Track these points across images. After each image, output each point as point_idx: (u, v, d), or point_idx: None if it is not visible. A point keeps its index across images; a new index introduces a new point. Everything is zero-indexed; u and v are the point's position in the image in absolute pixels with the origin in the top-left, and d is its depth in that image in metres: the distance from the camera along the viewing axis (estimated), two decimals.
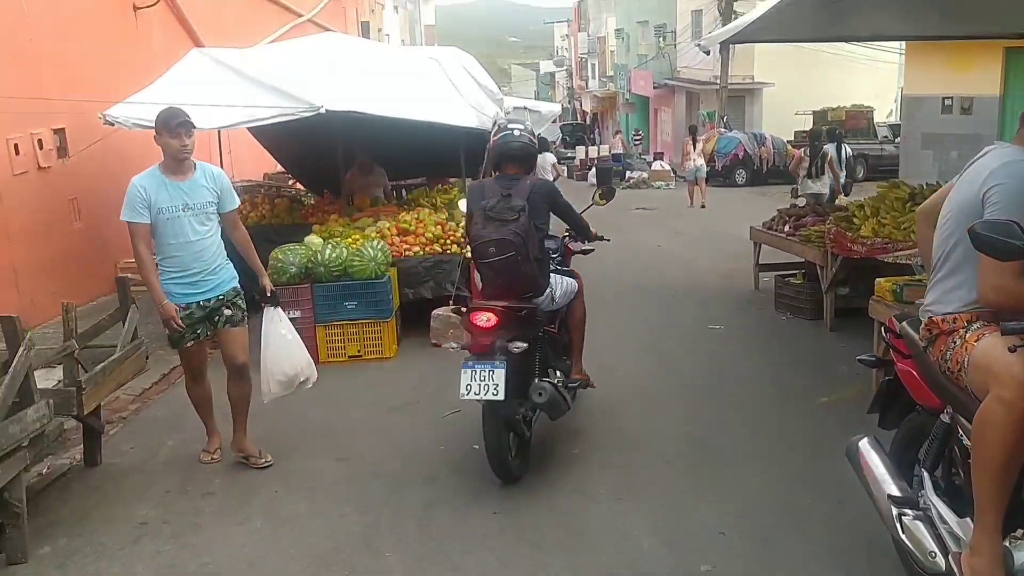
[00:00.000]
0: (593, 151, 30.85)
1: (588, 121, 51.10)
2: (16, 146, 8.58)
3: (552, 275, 4.98)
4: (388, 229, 8.23)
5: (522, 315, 4.63)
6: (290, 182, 13.62)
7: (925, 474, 3.18)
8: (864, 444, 3.40)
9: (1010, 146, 2.94)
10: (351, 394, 6.41)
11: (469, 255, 7.82)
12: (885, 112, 30.86)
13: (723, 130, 26.48)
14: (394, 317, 7.47)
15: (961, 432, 2.93)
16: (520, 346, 4.52)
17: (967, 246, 2.68)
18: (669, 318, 8.45)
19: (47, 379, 4.59)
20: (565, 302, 5.21)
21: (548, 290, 4.86)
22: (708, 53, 25.02)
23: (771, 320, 8.18)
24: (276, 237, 9.29)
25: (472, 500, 4.48)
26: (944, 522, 2.96)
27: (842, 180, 12.13)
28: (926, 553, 2.96)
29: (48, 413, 3.91)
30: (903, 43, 29.24)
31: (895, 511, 3.10)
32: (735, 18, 26.31)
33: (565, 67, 66.36)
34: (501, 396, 4.34)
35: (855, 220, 6.93)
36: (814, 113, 28.41)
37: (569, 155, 31.91)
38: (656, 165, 27.44)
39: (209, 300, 4.86)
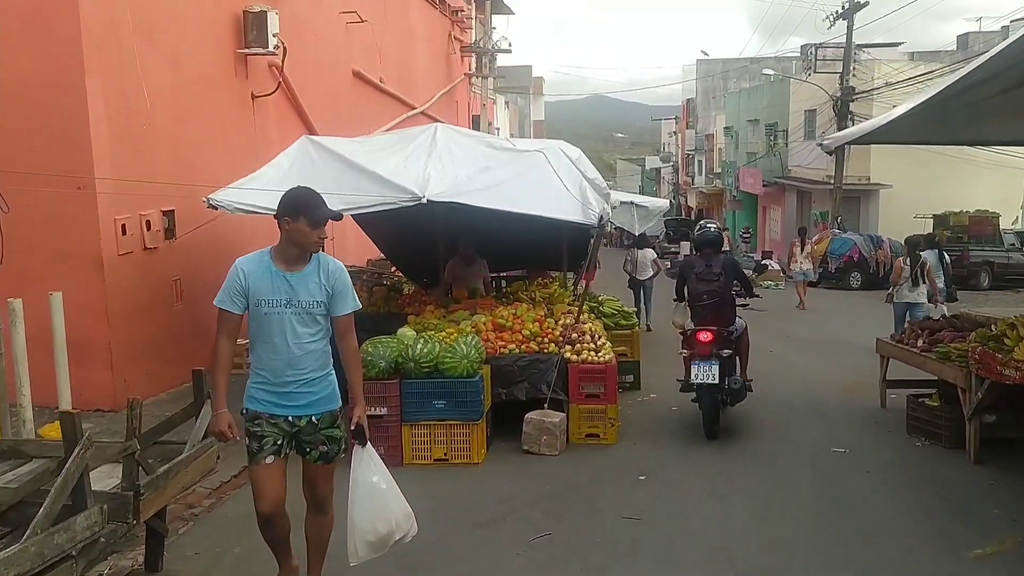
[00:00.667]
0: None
1: (693, 217, 50.53)
2: (124, 226, 8.71)
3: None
4: (484, 324, 7.85)
5: (724, 336, 7.66)
6: (392, 269, 13.55)
7: None
8: None
9: None
10: (434, 504, 5.90)
11: (567, 355, 7.43)
12: (1011, 218, 29.15)
13: (837, 231, 25.48)
14: (484, 419, 7.00)
15: None
16: (726, 353, 7.57)
17: None
18: (786, 436, 7.67)
19: (112, 475, 4.27)
20: (739, 333, 8.13)
21: (737, 322, 8.00)
22: (831, 154, 24.31)
23: (903, 445, 7.30)
24: (371, 326, 9.05)
25: None
26: None
27: (941, 287, 11.76)
28: None
29: (100, 520, 3.57)
30: None
31: None
32: (851, 118, 25.68)
33: (671, 163, 66.35)
34: (716, 380, 7.34)
35: (1007, 340, 6.12)
36: (935, 217, 27.10)
37: (673, 250, 31.36)
38: (764, 263, 26.52)
39: (299, 418, 4.07)
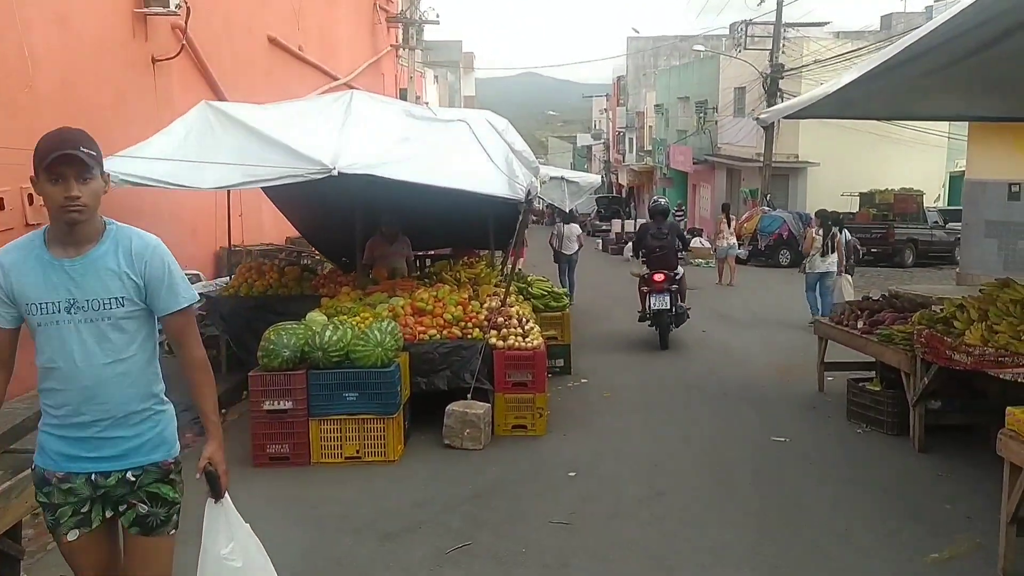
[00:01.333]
0: (629, 224, 29.97)
1: (624, 195, 50.47)
2: (1, 200, 7.78)
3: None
4: (402, 307, 7.22)
5: (671, 277, 10.56)
6: (312, 248, 12.77)
7: None
8: None
9: None
10: (341, 510, 5.29)
11: (492, 341, 6.87)
12: (933, 196, 29.68)
13: (766, 209, 25.49)
14: (401, 412, 6.39)
15: None
16: (674, 288, 10.52)
17: None
18: (724, 425, 7.26)
19: None
20: (681, 276, 10.96)
21: (679, 268, 10.91)
22: (766, 128, 24.27)
23: (845, 433, 6.95)
24: (282, 309, 8.38)
25: None
26: None
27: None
28: None
29: None
30: (950, 124, 28.65)
31: None
32: (780, 95, 25.64)
33: (602, 140, 66.26)
34: (667, 307, 10.41)
35: (956, 323, 5.77)
36: (861, 195, 27.39)
37: (604, 228, 31.03)
38: (695, 242, 26.42)
39: (106, 475, 2.79)
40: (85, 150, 2.66)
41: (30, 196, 8.16)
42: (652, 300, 10.46)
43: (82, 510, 2.81)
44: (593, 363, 9.76)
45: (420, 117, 8.48)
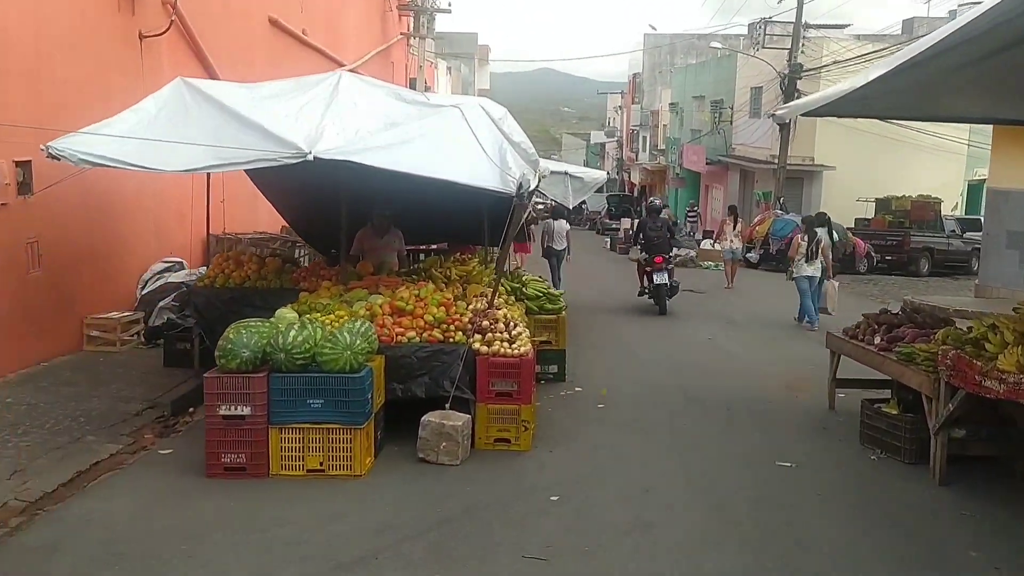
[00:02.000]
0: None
1: (636, 193, 49.81)
2: None
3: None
4: (381, 306, 6.67)
5: (666, 258, 13.61)
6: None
7: None
8: None
9: None
10: (295, 533, 4.75)
11: (475, 346, 6.34)
12: (950, 204, 28.96)
13: (779, 212, 24.83)
14: (372, 422, 5.84)
15: None
16: (669, 267, 13.71)
17: None
18: (725, 445, 6.68)
19: None
20: (672, 260, 14.13)
21: (673, 251, 14.34)
22: (782, 125, 23.63)
23: (857, 459, 6.37)
24: (260, 303, 7.88)
25: None
26: None
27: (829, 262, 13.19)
28: None
29: None
30: (971, 132, 27.92)
31: None
32: (798, 95, 24.93)
33: (616, 138, 65.55)
34: (666, 282, 13.53)
35: (988, 346, 5.18)
36: (877, 201, 26.70)
37: (613, 226, 30.37)
38: (705, 244, 25.78)
39: None
40: None
41: None
42: (654, 277, 13.72)
43: None
44: (589, 369, 9.20)
45: (411, 102, 7.92)
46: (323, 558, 4.42)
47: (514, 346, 6.42)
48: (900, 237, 23.74)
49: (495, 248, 10.08)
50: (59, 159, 6.50)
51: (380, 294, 6.95)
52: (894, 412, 6.38)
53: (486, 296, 7.03)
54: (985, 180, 30.54)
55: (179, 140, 6.58)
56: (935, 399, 5.75)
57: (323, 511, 5.06)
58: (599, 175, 14.24)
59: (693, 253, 25.04)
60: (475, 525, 4.89)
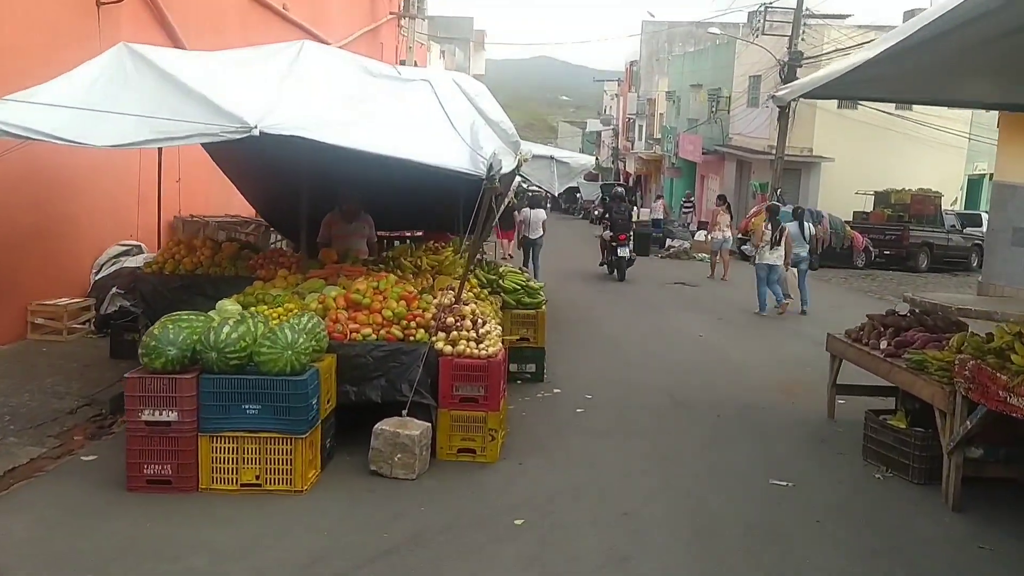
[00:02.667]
0: (633, 214, 28.62)
1: (631, 183, 49.07)
2: None
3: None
4: (335, 299, 6.00)
5: (629, 236, 17.03)
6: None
7: None
8: None
9: None
10: (211, 562, 4.09)
11: (438, 346, 5.70)
12: (950, 199, 28.35)
13: (776, 204, 24.19)
14: (317, 429, 5.19)
15: None
16: (629, 243, 17.03)
17: None
18: (714, 459, 6.04)
19: None
20: (632, 237, 17.59)
21: (631, 231, 17.68)
22: (781, 113, 23.01)
23: (860, 478, 5.73)
24: (212, 292, 7.18)
25: None
26: None
27: (803, 255, 13.64)
28: None
29: None
30: (971, 125, 27.31)
31: None
32: None
33: (612, 126, 64.75)
34: (628, 254, 16.86)
35: (1014, 357, 4.54)
36: (876, 194, 26.07)
37: (607, 217, 29.63)
38: (700, 235, 25.16)
39: None
40: None
41: None
42: (618, 251, 16.67)
43: None
44: (571, 368, 8.56)
45: (379, 75, 7.24)
46: None
47: (482, 346, 5.77)
48: (899, 231, 23.15)
49: (472, 236, 9.44)
50: None
51: (334, 286, 6.28)
52: (902, 426, 5.75)
53: (454, 289, 6.37)
54: (985, 175, 30.17)
55: (111, 110, 5.89)
56: (949, 414, 5.12)
57: (251, 535, 4.41)
58: (586, 160, 13.57)
59: (687, 245, 24.44)
60: (422, 556, 4.24)
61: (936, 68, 6.52)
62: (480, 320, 5.98)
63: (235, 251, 8.01)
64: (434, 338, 5.78)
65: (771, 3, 25.35)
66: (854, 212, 25.45)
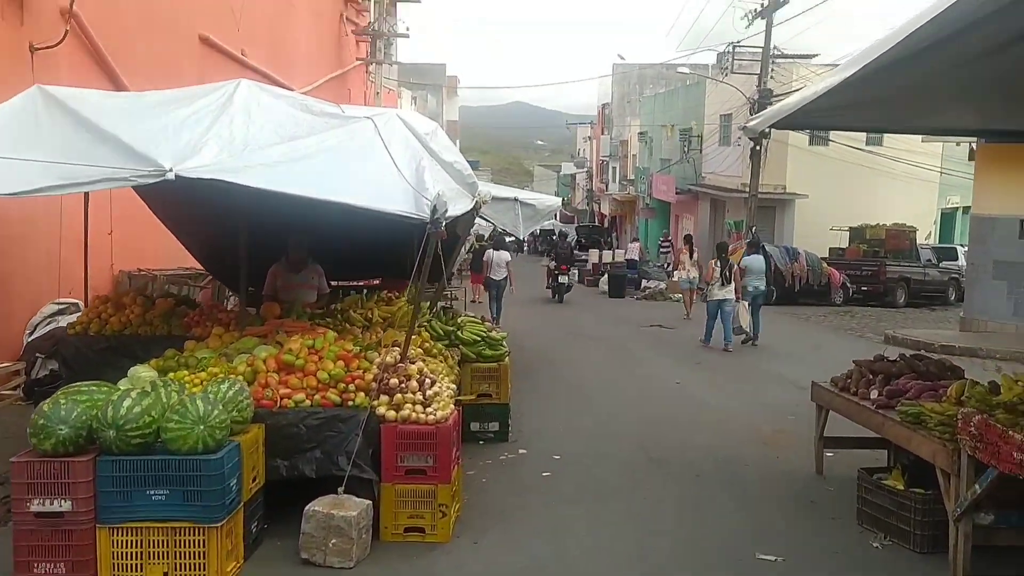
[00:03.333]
0: (608, 255, 28.26)
1: (606, 224, 48.80)
2: None
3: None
4: (265, 361, 5.37)
5: (569, 267, 22.60)
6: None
7: None
8: None
9: None
10: None
11: (380, 411, 5.09)
12: (924, 233, 28.25)
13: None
14: (238, 514, 4.53)
15: None
16: (570, 273, 22.42)
17: None
18: (694, 529, 5.40)
19: None
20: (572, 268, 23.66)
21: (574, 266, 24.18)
22: (754, 140, 22.82)
23: (856, 547, 5.12)
24: (144, 353, 6.50)
25: None
26: None
27: (760, 287, 13.96)
28: None
29: None
30: (943, 159, 27.31)
31: None
32: None
33: (585, 168, 64.89)
34: (566, 283, 21.52)
35: None
36: (851, 230, 25.89)
37: (582, 258, 29.23)
38: (675, 276, 24.75)
39: None
40: None
41: None
42: (559, 278, 20.42)
43: None
44: (538, 424, 7.94)
45: (319, 114, 6.67)
46: None
47: (429, 409, 5.14)
48: (876, 267, 22.88)
49: (438, 283, 8.86)
50: None
51: (267, 345, 5.66)
52: (900, 487, 5.16)
53: (399, 346, 5.75)
54: (958, 208, 30.15)
55: (14, 156, 5.30)
56: (954, 475, 4.55)
57: None
58: (553, 201, 13.05)
59: (663, 285, 24.00)
60: None
61: (912, 92, 6.11)
62: (428, 380, 5.36)
63: (169, 307, 7.36)
64: (375, 402, 5.15)
65: (738, 43, 25.28)
66: (830, 248, 25.23)
